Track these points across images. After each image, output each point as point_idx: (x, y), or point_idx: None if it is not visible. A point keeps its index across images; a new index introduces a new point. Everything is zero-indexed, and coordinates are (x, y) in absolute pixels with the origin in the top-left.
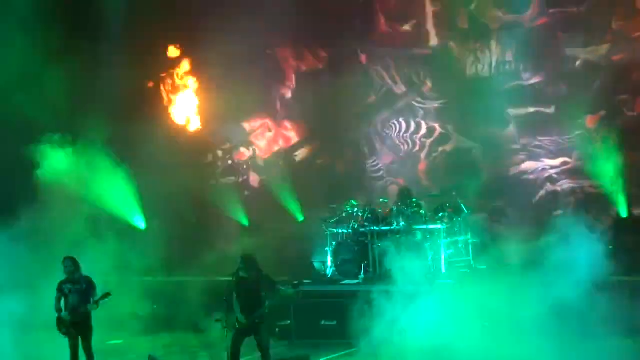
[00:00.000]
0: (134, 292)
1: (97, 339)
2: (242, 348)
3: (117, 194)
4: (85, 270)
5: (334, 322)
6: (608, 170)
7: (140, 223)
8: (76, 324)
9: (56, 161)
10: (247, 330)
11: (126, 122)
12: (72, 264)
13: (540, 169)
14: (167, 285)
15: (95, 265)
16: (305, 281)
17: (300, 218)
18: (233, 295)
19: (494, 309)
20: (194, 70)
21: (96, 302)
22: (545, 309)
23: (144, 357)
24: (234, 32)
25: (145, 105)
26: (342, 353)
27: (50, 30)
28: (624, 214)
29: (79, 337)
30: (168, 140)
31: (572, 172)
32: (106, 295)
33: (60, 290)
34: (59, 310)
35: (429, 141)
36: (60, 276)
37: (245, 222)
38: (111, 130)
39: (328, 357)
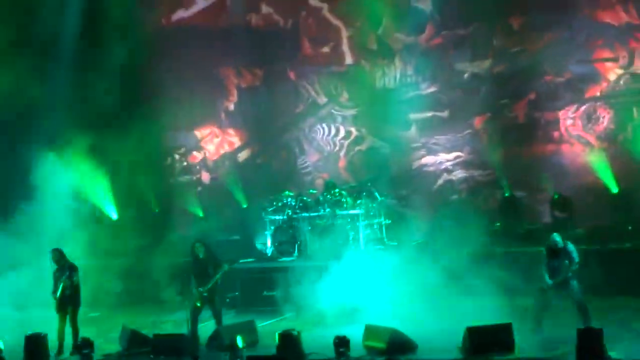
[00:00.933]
0: (109, 272)
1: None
2: (199, 316)
3: (96, 191)
4: (71, 255)
5: (274, 293)
6: (493, 161)
7: (113, 214)
8: (65, 299)
9: (49, 165)
10: (203, 301)
11: (105, 131)
12: (57, 255)
13: (437, 162)
14: (136, 265)
15: (79, 251)
16: (249, 260)
17: (244, 205)
18: (191, 274)
19: (401, 277)
20: (155, 89)
21: (70, 279)
22: (440, 275)
23: (118, 326)
24: (186, 57)
25: (119, 116)
26: (281, 317)
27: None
28: (504, 196)
29: (68, 311)
30: (136, 146)
31: (464, 164)
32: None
33: (53, 276)
34: (54, 292)
35: (346, 142)
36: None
37: (199, 212)
38: (92, 138)
39: (270, 321)
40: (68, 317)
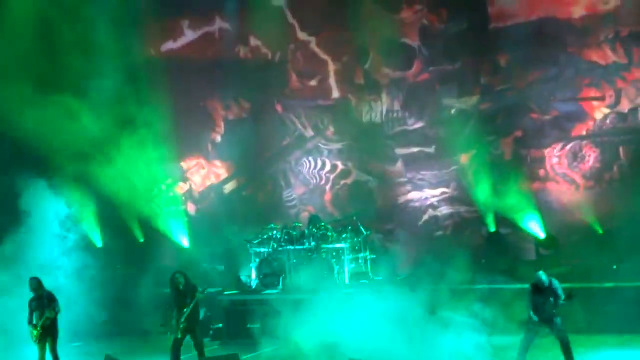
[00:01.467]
0: (92, 301)
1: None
2: (181, 348)
3: (83, 219)
4: (54, 283)
5: (258, 325)
6: (479, 197)
7: (98, 242)
8: (45, 329)
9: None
10: (183, 331)
11: (91, 160)
12: (35, 283)
13: (423, 197)
14: (120, 295)
15: (63, 279)
16: (233, 292)
17: (230, 237)
18: (171, 304)
19: (383, 312)
20: (142, 119)
21: (54, 310)
22: (422, 310)
23: (101, 357)
24: (174, 88)
25: (107, 149)
26: (266, 350)
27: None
28: (489, 232)
29: (47, 341)
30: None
31: (450, 200)
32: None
33: (29, 305)
34: (30, 322)
35: (332, 176)
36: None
37: (184, 243)
38: (79, 167)
39: (253, 354)
40: (48, 348)
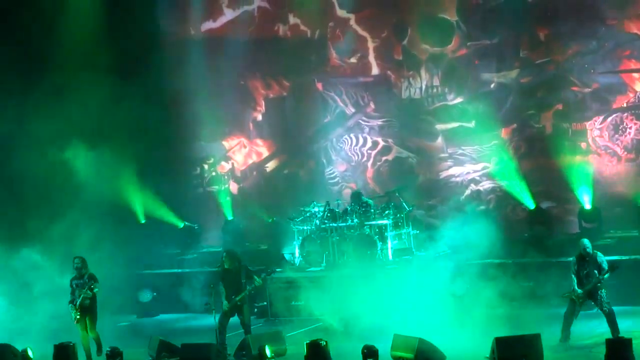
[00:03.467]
0: (138, 283)
1: (108, 322)
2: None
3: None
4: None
5: (302, 302)
6: (520, 172)
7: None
8: (83, 309)
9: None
10: (231, 311)
11: (135, 137)
12: (79, 262)
13: (465, 172)
14: (165, 276)
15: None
16: (277, 269)
17: (270, 219)
18: (219, 283)
19: (428, 287)
20: (184, 98)
21: (91, 289)
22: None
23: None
24: (215, 69)
25: (149, 125)
26: (309, 328)
27: None
28: (532, 207)
29: (87, 320)
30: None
31: (492, 175)
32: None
33: (71, 285)
34: (71, 302)
35: (374, 152)
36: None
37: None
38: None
39: (297, 331)
40: (87, 327)
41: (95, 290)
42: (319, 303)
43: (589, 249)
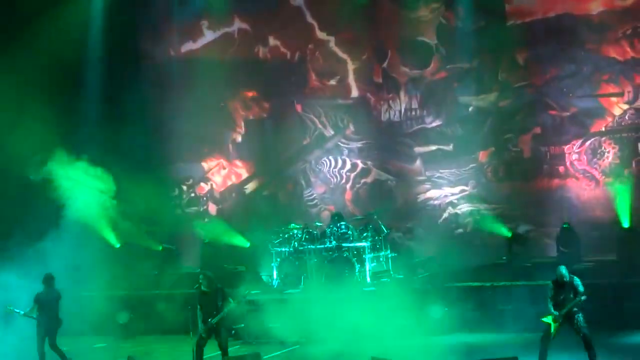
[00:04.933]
0: (113, 303)
1: (85, 343)
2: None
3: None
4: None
5: (279, 324)
6: (497, 195)
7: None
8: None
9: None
10: (208, 333)
11: (111, 161)
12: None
13: (442, 195)
14: (139, 297)
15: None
16: (254, 291)
17: (247, 244)
18: (196, 305)
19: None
20: (162, 119)
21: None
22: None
23: (123, 358)
24: (195, 90)
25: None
26: (287, 350)
27: None
28: (508, 233)
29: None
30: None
31: (469, 198)
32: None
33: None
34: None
35: (352, 174)
36: None
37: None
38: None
39: (275, 353)
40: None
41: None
42: (297, 325)
43: (566, 278)
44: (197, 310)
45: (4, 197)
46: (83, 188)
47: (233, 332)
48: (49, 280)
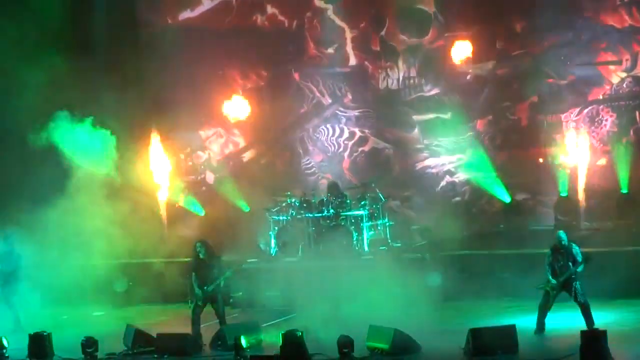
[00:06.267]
0: (113, 271)
1: (83, 311)
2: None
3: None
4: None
5: (277, 293)
6: (495, 163)
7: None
8: None
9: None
10: (205, 301)
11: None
12: None
13: (440, 164)
14: (136, 266)
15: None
16: (250, 260)
17: (247, 209)
18: (192, 273)
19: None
20: (160, 88)
21: None
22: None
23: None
24: (193, 59)
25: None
26: (284, 318)
27: None
28: (508, 199)
29: None
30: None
31: (467, 166)
32: None
33: None
34: None
35: (350, 143)
36: None
37: (202, 212)
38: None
39: (273, 321)
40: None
41: None
42: (295, 293)
43: (565, 242)
44: (194, 278)
45: (7, 165)
46: (88, 151)
47: (231, 300)
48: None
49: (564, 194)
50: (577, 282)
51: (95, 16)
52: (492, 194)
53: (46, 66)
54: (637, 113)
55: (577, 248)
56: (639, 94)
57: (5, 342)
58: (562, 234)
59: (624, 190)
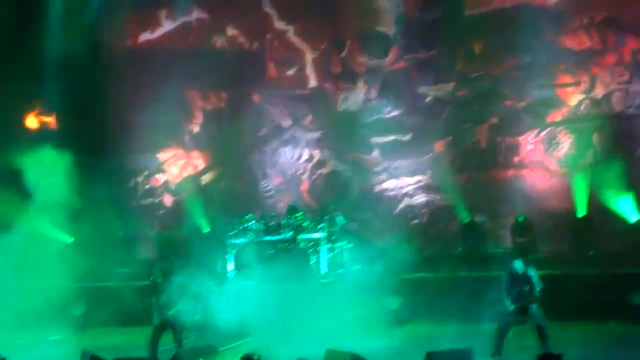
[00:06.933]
0: (70, 295)
1: (40, 335)
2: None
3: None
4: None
5: (235, 316)
6: (454, 185)
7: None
8: None
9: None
10: (163, 325)
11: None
12: None
13: (399, 186)
14: (94, 290)
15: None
16: (210, 283)
17: (205, 231)
18: (152, 296)
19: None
20: (119, 110)
21: None
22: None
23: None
24: (152, 81)
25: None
26: (242, 341)
27: None
28: (466, 221)
29: None
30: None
31: (426, 188)
32: None
33: None
34: None
35: (309, 165)
36: None
37: (161, 235)
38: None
39: (231, 345)
40: None
41: None
42: (252, 317)
43: (521, 272)
44: (153, 302)
45: None
46: (47, 176)
47: (188, 324)
48: None
49: (521, 216)
50: (534, 305)
51: (51, 38)
52: (450, 216)
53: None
54: (595, 135)
55: (533, 272)
56: (596, 116)
57: None
58: (517, 264)
59: (581, 213)
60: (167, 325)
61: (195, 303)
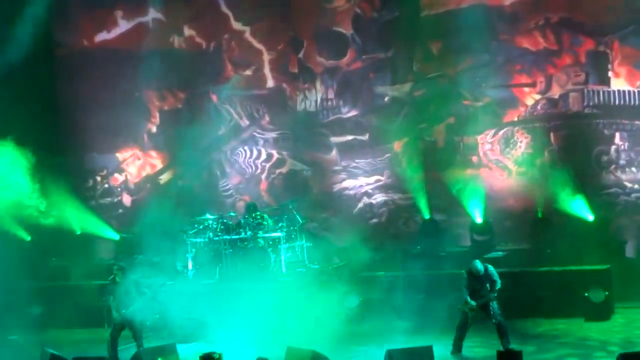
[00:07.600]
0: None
1: None
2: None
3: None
4: None
5: (195, 315)
6: (412, 184)
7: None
8: None
9: None
10: (122, 323)
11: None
12: None
13: (358, 185)
14: (53, 289)
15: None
16: (169, 282)
17: (165, 229)
18: (109, 296)
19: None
20: (75, 110)
21: None
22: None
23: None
24: (110, 80)
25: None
26: (202, 341)
27: None
28: (425, 220)
29: None
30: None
31: (384, 188)
32: None
33: None
34: None
35: (268, 165)
36: None
37: (119, 235)
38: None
39: (190, 344)
40: None
41: None
42: (212, 315)
43: (481, 272)
44: (111, 301)
45: None
46: (5, 176)
47: (148, 323)
48: None
49: (480, 216)
50: (494, 303)
51: (7, 38)
52: (409, 215)
53: None
54: (551, 135)
55: (492, 270)
56: (553, 115)
57: None
58: (477, 264)
59: (538, 211)
60: (125, 324)
61: (152, 302)
